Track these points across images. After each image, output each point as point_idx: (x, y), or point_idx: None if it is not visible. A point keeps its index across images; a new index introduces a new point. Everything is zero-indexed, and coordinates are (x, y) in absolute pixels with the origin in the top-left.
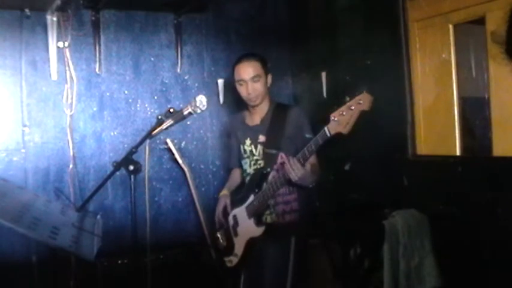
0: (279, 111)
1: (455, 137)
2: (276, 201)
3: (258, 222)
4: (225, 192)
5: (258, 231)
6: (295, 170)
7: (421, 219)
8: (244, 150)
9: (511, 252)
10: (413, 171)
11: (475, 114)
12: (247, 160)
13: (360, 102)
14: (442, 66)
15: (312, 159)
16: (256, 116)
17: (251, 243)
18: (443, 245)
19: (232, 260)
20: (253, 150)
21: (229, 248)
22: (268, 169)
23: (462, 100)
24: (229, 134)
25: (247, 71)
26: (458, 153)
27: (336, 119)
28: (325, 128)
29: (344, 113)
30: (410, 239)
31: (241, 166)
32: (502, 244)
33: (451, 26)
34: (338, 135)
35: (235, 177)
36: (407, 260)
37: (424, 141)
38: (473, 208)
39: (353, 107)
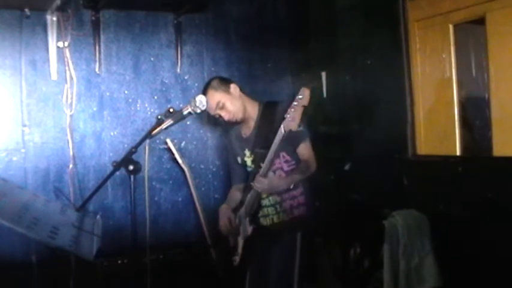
0: (267, 111)
1: (455, 137)
2: (282, 198)
3: (250, 221)
4: (225, 205)
5: (249, 230)
6: (258, 185)
7: (421, 219)
8: (245, 161)
9: (510, 252)
10: (413, 171)
11: (475, 114)
12: (252, 168)
13: (300, 98)
14: (442, 66)
15: (306, 155)
16: (250, 124)
17: (247, 241)
18: (443, 245)
19: (236, 259)
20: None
21: (235, 248)
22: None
23: (462, 100)
24: (228, 151)
25: (209, 106)
26: (458, 153)
27: (288, 117)
28: (281, 126)
29: (293, 110)
30: (410, 238)
31: (247, 178)
32: (502, 244)
33: (451, 26)
34: (290, 132)
35: (232, 196)
36: (407, 260)
37: (424, 141)
38: (473, 208)
39: (296, 103)
